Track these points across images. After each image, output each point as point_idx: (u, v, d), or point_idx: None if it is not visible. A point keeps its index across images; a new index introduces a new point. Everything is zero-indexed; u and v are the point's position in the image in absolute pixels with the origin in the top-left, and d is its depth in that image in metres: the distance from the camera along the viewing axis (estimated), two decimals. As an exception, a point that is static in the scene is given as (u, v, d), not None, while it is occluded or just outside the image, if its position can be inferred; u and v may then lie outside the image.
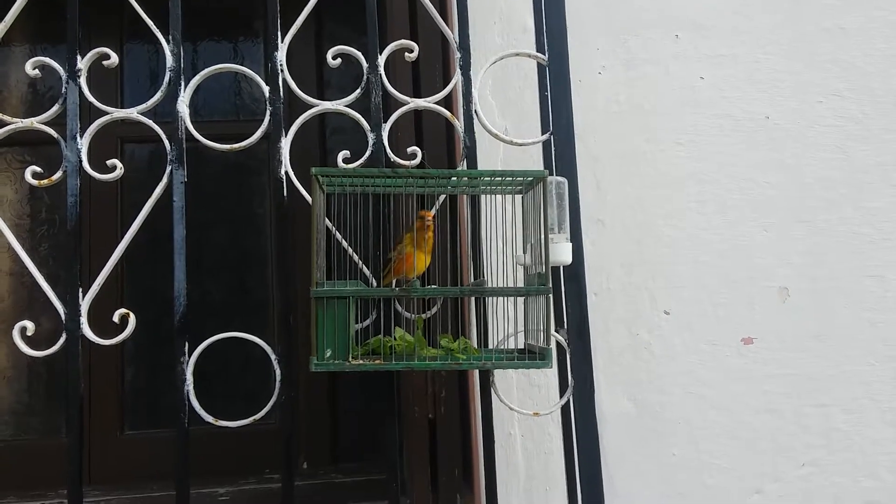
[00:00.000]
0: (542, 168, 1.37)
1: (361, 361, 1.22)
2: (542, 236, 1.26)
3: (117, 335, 1.33)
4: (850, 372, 1.93)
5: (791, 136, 1.98)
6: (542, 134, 1.46)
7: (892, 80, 2.01)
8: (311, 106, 1.41)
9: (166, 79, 1.38)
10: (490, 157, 1.84)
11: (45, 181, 1.35)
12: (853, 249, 1.95)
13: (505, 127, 1.90)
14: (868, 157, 1.98)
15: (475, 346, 1.36)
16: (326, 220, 1.34)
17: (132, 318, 1.33)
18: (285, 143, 1.39)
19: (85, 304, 1.33)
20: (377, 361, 1.22)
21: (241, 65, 1.43)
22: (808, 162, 1.97)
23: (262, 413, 1.32)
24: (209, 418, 1.32)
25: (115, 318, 1.33)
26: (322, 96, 1.42)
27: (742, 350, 1.91)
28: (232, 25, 2.47)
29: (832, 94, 2.00)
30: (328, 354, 1.21)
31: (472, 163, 1.43)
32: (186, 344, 1.33)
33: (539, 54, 1.47)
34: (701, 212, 1.94)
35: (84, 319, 1.32)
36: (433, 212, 1.42)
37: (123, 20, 2.38)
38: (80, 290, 1.33)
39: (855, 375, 1.93)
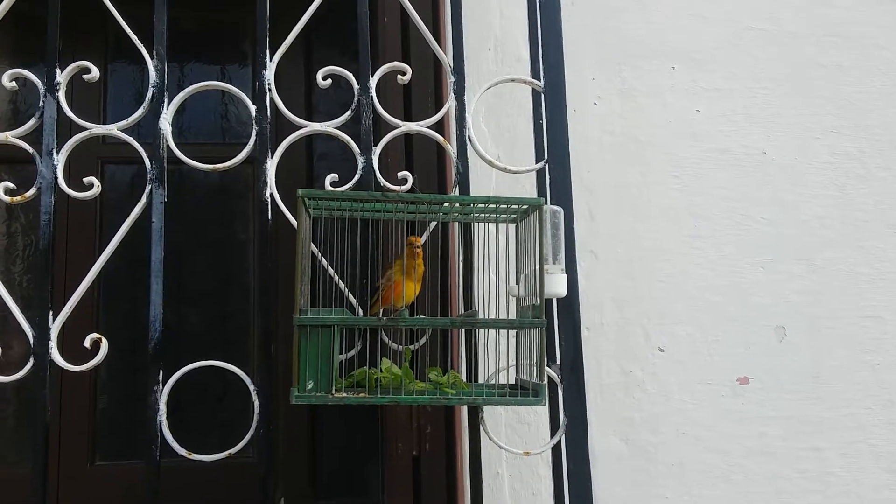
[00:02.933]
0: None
1: (345, 395, 1.15)
2: (537, 267, 1.20)
3: (90, 361, 1.26)
4: (846, 415, 1.88)
5: (788, 172, 1.95)
6: (537, 162, 1.42)
7: (889, 118, 1.99)
8: (299, 129, 1.36)
9: (149, 95, 1.33)
10: (482, 184, 1.80)
11: (18, 198, 1.29)
12: (851, 289, 1.92)
13: (498, 154, 1.86)
14: (866, 195, 1.96)
15: (464, 380, 1.30)
16: (312, 245, 1.28)
17: (104, 344, 1.26)
18: (271, 165, 1.33)
19: (55, 328, 1.26)
20: (361, 395, 1.16)
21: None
22: (806, 199, 1.94)
23: (239, 447, 1.25)
24: (182, 451, 1.25)
25: (87, 344, 1.26)
26: (310, 120, 1.37)
27: (738, 390, 1.86)
28: (220, 47, 2.43)
29: (829, 130, 1.98)
30: (310, 386, 1.15)
31: (465, 190, 1.38)
32: (161, 372, 1.26)
33: (535, 81, 1.43)
34: (696, 247, 1.90)
35: (53, 344, 1.25)
36: (423, 238, 1.36)
37: (108, 38, 2.33)
38: (51, 313, 1.26)
39: (852, 419, 1.88)
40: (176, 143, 1.33)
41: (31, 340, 1.25)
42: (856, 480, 1.86)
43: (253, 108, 1.35)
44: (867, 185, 1.96)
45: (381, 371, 1.22)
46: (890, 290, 1.93)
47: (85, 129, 1.31)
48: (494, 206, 1.26)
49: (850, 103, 1.99)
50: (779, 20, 2.02)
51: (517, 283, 1.32)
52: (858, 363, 1.90)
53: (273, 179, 1.33)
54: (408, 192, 1.36)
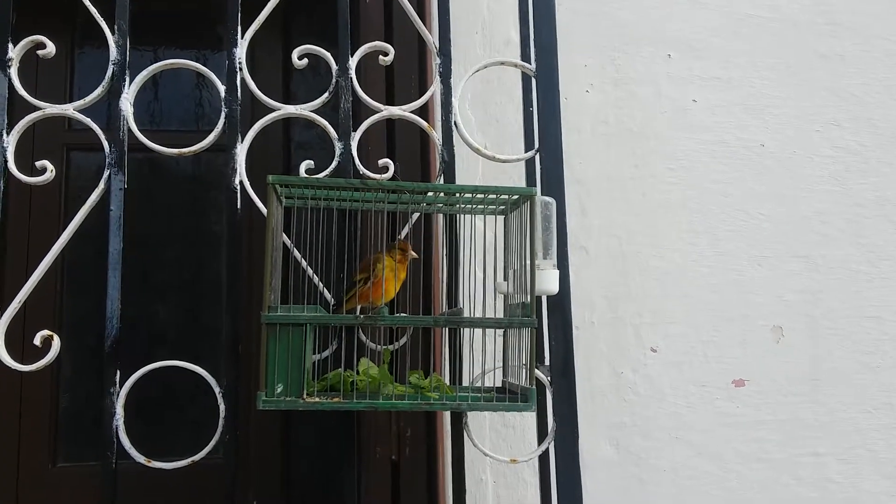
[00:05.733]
0: (525, 188, 1.23)
1: (317, 399, 1.06)
2: (528, 262, 1.12)
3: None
4: (845, 419, 1.81)
5: (787, 165, 1.87)
6: (527, 151, 1.33)
7: (892, 111, 1.93)
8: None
9: (109, 73, 1.23)
10: (468, 174, 1.71)
11: (-37, 183, 1.19)
12: (851, 288, 1.85)
13: (484, 143, 1.76)
14: (867, 190, 1.88)
15: (448, 382, 1.21)
16: (284, 235, 1.18)
17: (56, 342, 1.17)
18: (241, 150, 1.24)
19: (2, 324, 1.16)
20: (335, 399, 1.06)
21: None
22: (805, 194, 1.87)
23: (203, 454, 1.17)
24: (141, 458, 1.16)
25: (37, 341, 1.16)
26: (288, 108, 1.28)
27: (733, 393, 1.78)
28: (196, 31, 2.33)
29: (830, 123, 1.90)
30: (279, 390, 1.05)
31: (450, 179, 1.29)
32: (118, 373, 1.17)
33: (526, 64, 1.34)
34: (692, 242, 1.82)
35: (0, 342, 1.15)
36: (405, 230, 1.27)
37: (76, 21, 2.22)
38: (-1, 307, 1.16)
39: (850, 423, 1.81)
40: (147, 130, 1.23)
41: (-23, 337, 1.16)
42: (855, 487, 1.79)
43: (222, 88, 1.26)
44: (868, 180, 1.89)
45: (357, 373, 1.13)
46: (890, 290, 1.86)
47: (38, 108, 1.21)
48: (482, 196, 1.17)
49: (851, 95, 1.92)
50: (778, 8, 1.94)
51: (505, 279, 1.23)
52: (858, 365, 1.83)
53: (243, 166, 1.24)
54: (389, 180, 1.27)
